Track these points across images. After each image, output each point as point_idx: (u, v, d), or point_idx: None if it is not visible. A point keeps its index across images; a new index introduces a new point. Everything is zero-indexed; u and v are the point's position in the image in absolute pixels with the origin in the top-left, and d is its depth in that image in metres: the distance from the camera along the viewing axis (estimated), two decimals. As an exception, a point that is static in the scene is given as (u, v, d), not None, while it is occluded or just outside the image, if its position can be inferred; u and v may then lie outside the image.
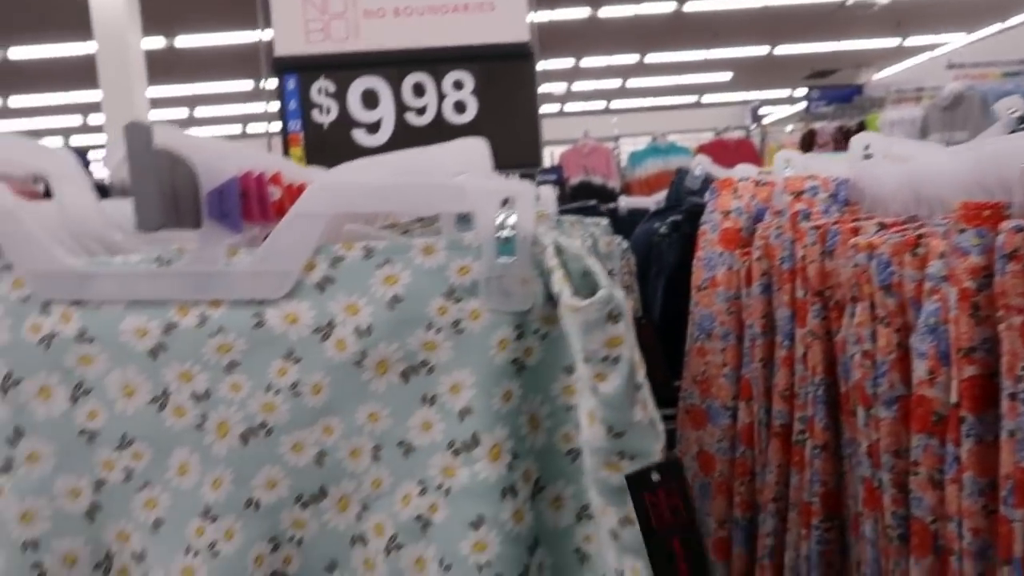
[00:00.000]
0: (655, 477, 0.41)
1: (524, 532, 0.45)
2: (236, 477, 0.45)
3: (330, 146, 1.14)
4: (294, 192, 0.53)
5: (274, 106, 1.33)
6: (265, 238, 0.49)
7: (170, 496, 0.46)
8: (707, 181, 1.64)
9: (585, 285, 0.41)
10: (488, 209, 0.43)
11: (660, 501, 0.41)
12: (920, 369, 0.58)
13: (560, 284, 0.40)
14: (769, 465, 0.84)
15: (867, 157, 0.81)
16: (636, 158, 5.38)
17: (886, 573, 0.67)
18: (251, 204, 0.46)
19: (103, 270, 0.45)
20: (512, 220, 0.43)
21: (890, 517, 0.66)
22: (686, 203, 1.56)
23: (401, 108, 1.18)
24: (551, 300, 0.44)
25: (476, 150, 0.50)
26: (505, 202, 0.43)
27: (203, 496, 0.45)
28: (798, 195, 0.80)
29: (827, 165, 0.92)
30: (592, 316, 0.39)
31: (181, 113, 9.76)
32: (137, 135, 0.42)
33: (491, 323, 0.44)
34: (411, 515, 0.45)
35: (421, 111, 1.18)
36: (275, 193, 0.50)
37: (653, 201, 2.22)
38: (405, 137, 1.16)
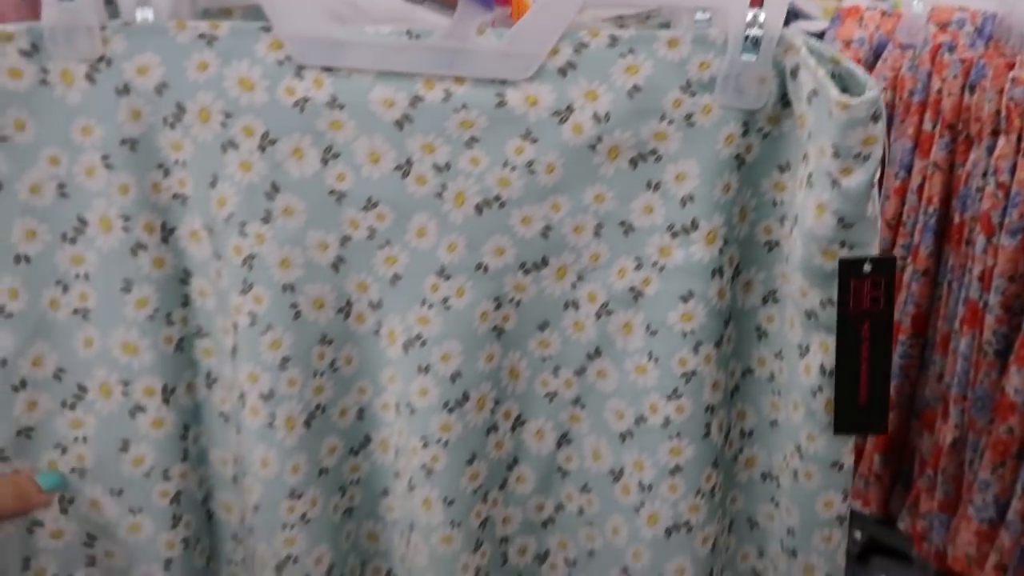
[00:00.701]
0: (867, 268, 0.45)
1: (723, 308, 0.50)
2: (469, 243, 0.49)
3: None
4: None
5: None
6: (494, 23, 0.50)
7: (409, 255, 0.50)
8: (791, 13, 1.58)
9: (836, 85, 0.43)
10: (738, 6, 0.44)
11: (864, 290, 0.45)
12: (1065, 200, 0.62)
13: (823, 81, 0.42)
14: (862, 287, 0.89)
15: (1020, -9, 0.80)
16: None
17: (973, 382, 0.74)
18: (497, -16, 0.47)
19: (356, 39, 0.46)
20: (761, 19, 0.44)
21: (990, 334, 0.72)
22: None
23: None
24: (782, 100, 0.46)
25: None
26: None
27: (439, 257, 0.50)
28: (943, 27, 0.79)
29: (958, -1, 0.90)
30: (859, 114, 0.41)
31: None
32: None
33: (721, 119, 0.46)
34: (624, 286, 0.50)
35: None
36: (503, -23, 0.51)
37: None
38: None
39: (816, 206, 0.43)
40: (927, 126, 0.80)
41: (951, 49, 0.77)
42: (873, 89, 0.40)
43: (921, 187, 0.81)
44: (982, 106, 0.72)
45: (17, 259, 0.49)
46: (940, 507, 0.79)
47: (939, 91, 0.78)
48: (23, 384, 0.50)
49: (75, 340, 0.50)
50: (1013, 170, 0.67)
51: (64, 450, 0.51)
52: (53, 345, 0.50)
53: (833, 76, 0.43)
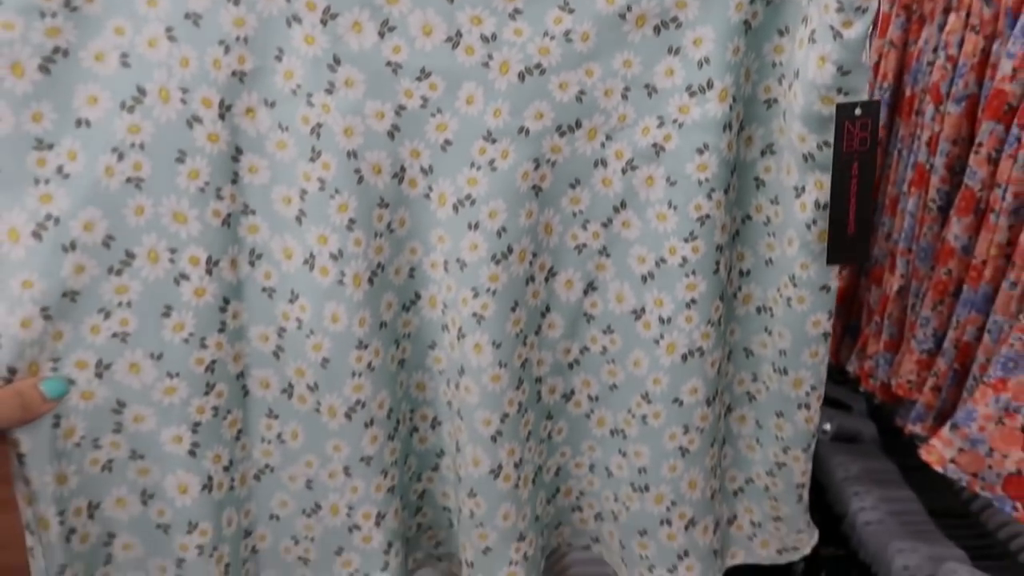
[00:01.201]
0: (858, 111, 0.52)
1: (731, 159, 0.57)
2: (512, 108, 0.55)
3: None
4: None
5: None
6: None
7: (458, 121, 0.55)
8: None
9: None
10: None
11: (855, 131, 0.53)
12: (1005, 68, 0.71)
13: None
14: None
15: None
16: None
17: (918, 236, 0.85)
18: None
19: (410, -84, 0.50)
20: None
21: (935, 193, 0.82)
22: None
23: None
24: (784, -30, 0.53)
25: None
26: None
27: (486, 122, 0.55)
28: (901, -88, 0.86)
29: None
30: None
31: None
32: None
33: None
34: (648, 143, 0.57)
35: None
36: None
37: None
38: None
39: (818, 58, 0.50)
40: (884, 7, 0.88)
41: (908, -67, 0.85)
42: (873, -50, 0.47)
43: (877, 64, 0.90)
44: (933, -14, 0.80)
45: (78, 123, 0.50)
46: (885, 347, 0.91)
47: (896, -26, 0.85)
48: (72, 246, 0.50)
49: (126, 208, 0.51)
50: (961, 44, 0.76)
51: (108, 315, 0.52)
52: (104, 212, 0.51)
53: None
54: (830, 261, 0.55)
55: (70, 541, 0.54)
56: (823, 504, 1.21)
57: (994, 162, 0.74)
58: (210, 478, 0.56)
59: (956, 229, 0.78)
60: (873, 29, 0.51)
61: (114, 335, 0.53)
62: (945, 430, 0.75)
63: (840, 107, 0.51)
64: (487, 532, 0.61)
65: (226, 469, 0.57)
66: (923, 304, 0.83)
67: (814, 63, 0.51)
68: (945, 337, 0.81)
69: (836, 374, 1.30)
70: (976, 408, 0.73)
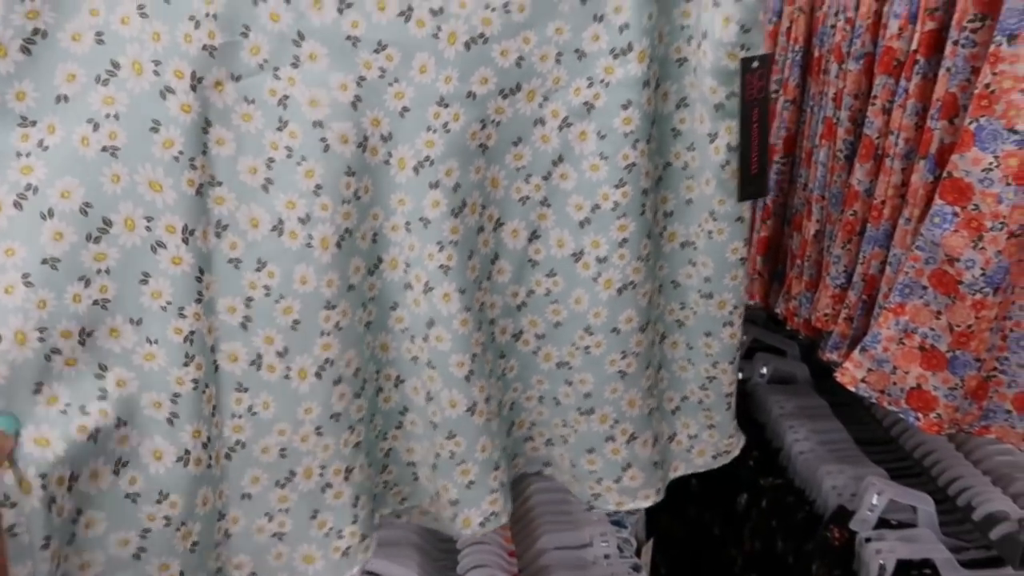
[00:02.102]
0: (755, 64, 0.62)
1: (651, 112, 0.66)
2: (460, 75, 0.62)
3: None
4: None
5: None
6: None
7: (414, 89, 0.62)
8: None
9: None
10: None
11: (754, 82, 0.62)
12: (893, 27, 0.82)
13: None
14: (744, 119, 1.09)
15: None
16: None
17: (829, 184, 0.96)
18: None
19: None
20: None
21: (841, 143, 0.93)
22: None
23: None
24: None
25: None
26: None
27: (438, 89, 0.62)
28: None
29: None
30: None
31: None
32: None
33: None
34: (580, 102, 0.65)
35: None
36: None
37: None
38: None
39: (723, 19, 0.60)
40: (793, -24, 0.98)
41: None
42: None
43: (789, 29, 1.00)
44: (834, -43, 0.91)
45: (58, 99, 0.53)
46: (806, 287, 1.03)
47: (802, -55, 0.95)
48: (50, 213, 0.52)
49: (103, 176, 0.54)
50: (857, 7, 0.86)
51: (88, 282, 0.54)
52: (81, 181, 0.53)
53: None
54: (741, 198, 0.64)
55: (51, 511, 0.53)
56: (762, 440, 1.33)
57: (887, 112, 0.85)
58: (187, 452, 0.57)
59: (859, 174, 0.89)
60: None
61: (95, 303, 0.55)
62: (855, 353, 0.87)
63: (744, 61, 0.60)
64: (469, 467, 0.67)
65: (204, 446, 0.59)
66: (835, 244, 0.95)
67: (720, 23, 0.60)
68: (854, 272, 0.93)
69: (771, 323, 1.43)
70: (880, 331, 0.85)
